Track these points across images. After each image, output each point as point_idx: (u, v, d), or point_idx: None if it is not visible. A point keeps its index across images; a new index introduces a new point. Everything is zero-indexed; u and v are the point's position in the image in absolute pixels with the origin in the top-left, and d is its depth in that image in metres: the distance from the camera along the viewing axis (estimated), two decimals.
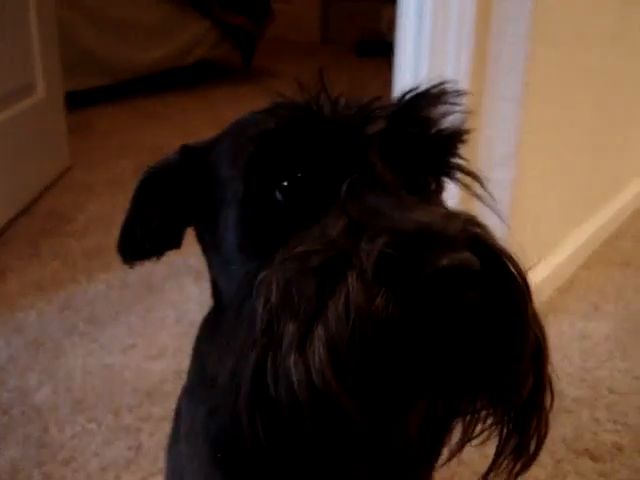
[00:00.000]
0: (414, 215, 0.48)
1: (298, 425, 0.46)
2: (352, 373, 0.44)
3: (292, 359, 0.45)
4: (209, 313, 0.74)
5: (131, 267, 0.72)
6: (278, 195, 0.56)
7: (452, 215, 0.51)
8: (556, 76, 1.73)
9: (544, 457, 1.38)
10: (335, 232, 0.50)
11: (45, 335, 1.73)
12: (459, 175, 0.63)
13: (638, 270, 2.14)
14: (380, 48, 4.93)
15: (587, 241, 2.15)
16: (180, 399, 0.77)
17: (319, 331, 0.44)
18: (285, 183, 0.56)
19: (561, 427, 1.46)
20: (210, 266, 0.67)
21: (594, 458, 1.39)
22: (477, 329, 0.46)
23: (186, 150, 0.68)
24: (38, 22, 2.47)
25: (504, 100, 1.61)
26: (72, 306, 1.86)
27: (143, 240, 0.69)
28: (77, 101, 3.35)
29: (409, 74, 1.59)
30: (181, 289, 1.94)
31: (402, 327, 0.44)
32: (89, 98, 3.60)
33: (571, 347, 1.74)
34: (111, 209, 2.45)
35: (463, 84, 1.52)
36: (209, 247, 0.66)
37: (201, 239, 0.68)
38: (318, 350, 0.44)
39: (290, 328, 0.45)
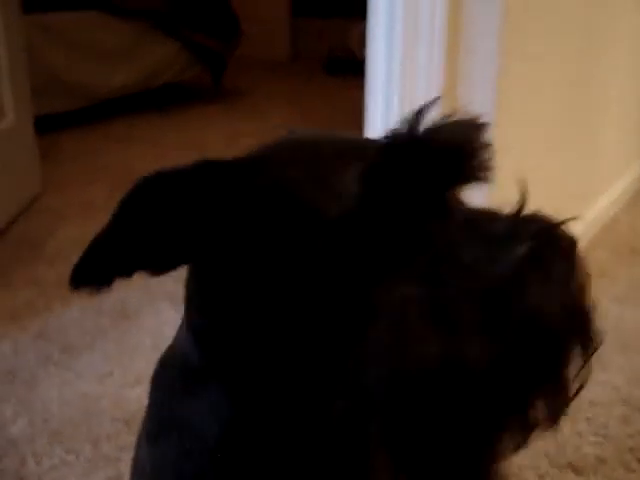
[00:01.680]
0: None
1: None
2: None
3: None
4: (172, 358, 0.69)
5: (75, 291, 0.60)
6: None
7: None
8: (527, 91, 1.74)
9: (527, 473, 1.38)
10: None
11: (20, 365, 1.70)
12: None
13: (613, 280, 2.15)
14: (350, 66, 4.96)
15: None
16: (138, 449, 0.73)
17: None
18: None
19: (543, 442, 1.45)
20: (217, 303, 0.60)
21: (577, 471, 1.39)
22: None
23: (210, 166, 0.58)
24: (7, 46, 2.45)
25: None
26: (46, 334, 1.83)
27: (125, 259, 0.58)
28: (47, 126, 3.33)
29: (380, 93, 1.59)
30: (157, 314, 1.92)
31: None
32: (59, 122, 3.58)
33: None
34: (83, 234, 2.41)
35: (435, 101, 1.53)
36: (227, 285, 0.59)
37: (207, 274, 0.60)
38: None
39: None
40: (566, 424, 1.51)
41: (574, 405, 1.58)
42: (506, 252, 0.51)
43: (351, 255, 0.53)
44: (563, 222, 0.55)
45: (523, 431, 0.53)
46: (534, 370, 0.51)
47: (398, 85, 1.56)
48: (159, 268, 0.59)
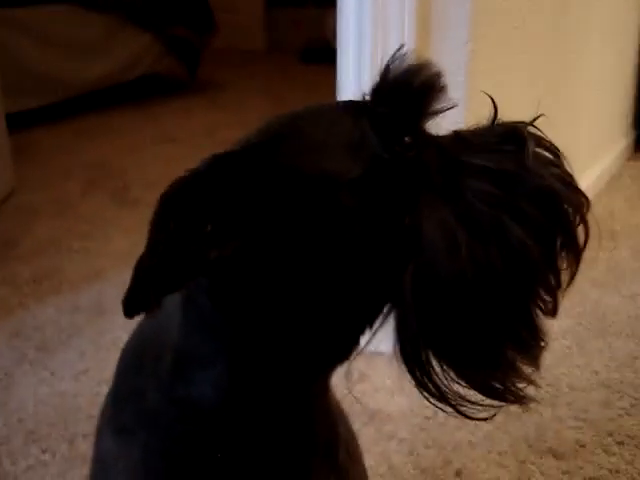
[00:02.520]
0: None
1: None
2: None
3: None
4: (155, 350, 0.65)
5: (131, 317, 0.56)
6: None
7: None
8: (500, 75, 1.73)
9: (508, 458, 1.37)
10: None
11: None
12: None
13: (592, 264, 2.15)
14: (325, 54, 4.94)
15: None
16: (104, 442, 0.70)
17: None
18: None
19: (523, 427, 1.45)
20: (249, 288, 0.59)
21: (557, 456, 1.38)
22: None
23: (224, 160, 0.57)
24: None
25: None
26: (21, 333, 1.81)
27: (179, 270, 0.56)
28: (19, 122, 3.29)
29: (352, 78, 1.58)
30: None
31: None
32: (32, 118, 3.53)
33: None
34: (58, 231, 2.40)
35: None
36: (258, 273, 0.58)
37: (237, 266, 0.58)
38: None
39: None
40: (546, 409, 1.50)
41: (553, 389, 1.59)
42: (504, 152, 0.60)
43: (378, 200, 0.58)
44: (533, 121, 0.64)
45: (554, 291, 0.60)
46: (557, 231, 0.59)
47: (369, 71, 1.54)
48: (207, 273, 0.58)
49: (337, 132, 0.60)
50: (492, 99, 0.66)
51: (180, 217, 0.55)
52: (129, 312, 0.55)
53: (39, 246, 2.29)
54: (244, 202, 0.57)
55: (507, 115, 0.65)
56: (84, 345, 1.76)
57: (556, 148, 0.63)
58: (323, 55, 5.09)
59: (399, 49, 0.62)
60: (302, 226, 0.57)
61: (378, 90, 0.62)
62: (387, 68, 0.61)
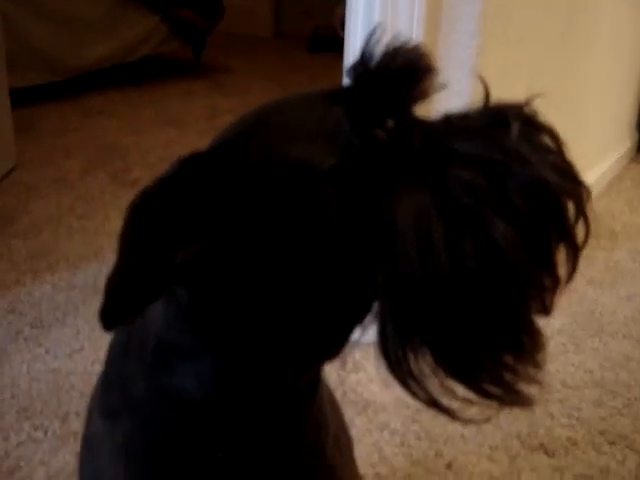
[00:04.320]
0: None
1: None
2: None
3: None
4: (138, 338, 0.65)
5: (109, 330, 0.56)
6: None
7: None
8: (507, 73, 1.73)
9: (499, 454, 1.37)
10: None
11: None
12: None
13: (590, 263, 2.15)
14: (332, 43, 4.92)
15: None
16: (90, 425, 0.72)
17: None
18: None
19: (515, 423, 1.45)
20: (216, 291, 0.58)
21: (549, 453, 1.39)
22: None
23: (193, 162, 0.56)
24: None
25: (455, 95, 1.60)
26: (17, 309, 1.81)
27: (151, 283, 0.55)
28: (21, 99, 3.27)
29: None
30: None
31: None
32: (34, 96, 3.52)
33: None
34: (57, 209, 2.39)
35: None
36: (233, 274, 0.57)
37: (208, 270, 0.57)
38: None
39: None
40: (538, 406, 1.51)
41: (546, 387, 1.59)
42: (495, 137, 0.55)
43: (358, 190, 0.55)
44: (528, 101, 0.59)
45: (549, 289, 0.56)
46: (550, 227, 0.54)
47: None
48: (180, 277, 0.56)
49: (309, 121, 0.57)
50: (482, 80, 0.62)
51: (148, 227, 0.54)
52: (107, 325, 0.54)
53: (37, 223, 2.29)
54: (213, 203, 0.55)
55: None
56: (79, 323, 1.75)
57: (553, 131, 0.58)
58: (330, 44, 5.07)
59: (375, 30, 0.58)
60: (277, 220, 0.55)
61: (355, 73, 0.58)
62: (364, 51, 0.58)
